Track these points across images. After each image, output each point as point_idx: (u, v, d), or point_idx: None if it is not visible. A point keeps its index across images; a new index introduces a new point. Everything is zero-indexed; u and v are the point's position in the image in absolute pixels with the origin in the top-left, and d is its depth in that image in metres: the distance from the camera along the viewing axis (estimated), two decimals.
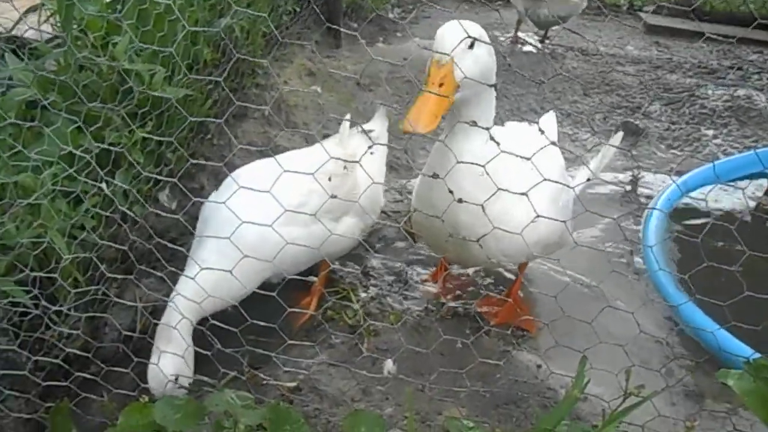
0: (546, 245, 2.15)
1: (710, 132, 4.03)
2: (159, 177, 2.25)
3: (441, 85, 1.66)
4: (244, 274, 1.92)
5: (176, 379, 1.87)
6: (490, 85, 1.78)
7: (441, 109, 1.66)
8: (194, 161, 2.13)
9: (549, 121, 2.74)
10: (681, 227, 3.00)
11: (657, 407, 1.67)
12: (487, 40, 1.76)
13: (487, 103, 1.87)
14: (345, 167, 2.19)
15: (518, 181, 1.64)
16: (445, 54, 1.65)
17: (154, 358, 1.88)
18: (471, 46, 1.71)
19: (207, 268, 1.84)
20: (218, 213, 2.05)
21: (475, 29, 1.73)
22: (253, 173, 2.27)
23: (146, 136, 2.08)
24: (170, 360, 1.85)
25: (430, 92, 1.61)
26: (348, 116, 2.71)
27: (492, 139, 1.51)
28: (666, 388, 1.90)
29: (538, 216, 1.51)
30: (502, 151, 1.43)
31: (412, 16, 5.53)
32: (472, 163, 1.57)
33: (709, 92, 4.38)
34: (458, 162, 1.64)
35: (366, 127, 2.71)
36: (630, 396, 1.50)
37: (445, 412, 1.90)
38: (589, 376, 1.55)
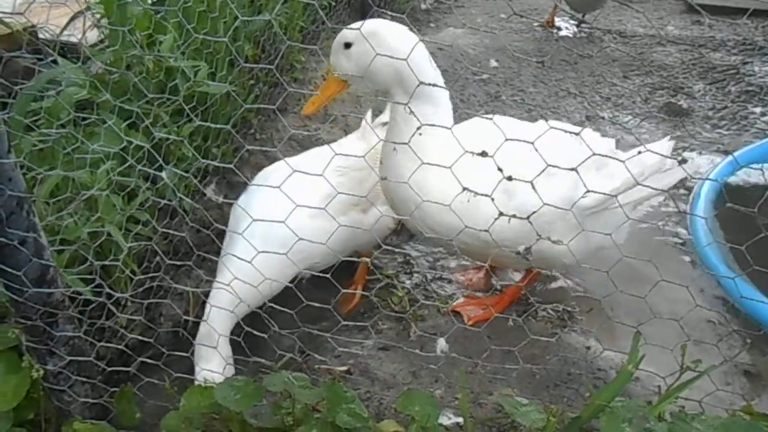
0: (536, 250, 1.97)
1: (758, 109, 3.92)
2: (209, 166, 2.29)
3: (324, 79, 2.00)
4: (273, 269, 1.96)
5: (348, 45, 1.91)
6: (429, 84, 1.88)
7: (319, 99, 1.98)
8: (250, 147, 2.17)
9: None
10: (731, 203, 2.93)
11: (713, 384, 1.65)
12: (381, 33, 1.83)
13: (424, 98, 1.89)
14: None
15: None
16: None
17: (198, 377, 1.94)
18: (347, 46, 1.88)
19: (237, 278, 1.90)
20: (247, 212, 2.04)
21: (359, 29, 1.79)
22: (279, 173, 2.26)
23: (200, 125, 2.12)
24: (212, 376, 1.90)
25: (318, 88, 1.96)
26: (369, 112, 2.74)
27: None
28: (723, 363, 1.87)
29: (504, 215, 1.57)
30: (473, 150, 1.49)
31: (446, 6, 5.50)
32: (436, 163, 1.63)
33: (756, 69, 4.25)
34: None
35: (384, 119, 2.67)
36: (686, 371, 1.49)
37: (496, 392, 1.91)
38: (642, 352, 1.54)
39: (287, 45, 2.57)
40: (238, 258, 1.92)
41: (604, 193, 1.75)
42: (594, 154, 1.39)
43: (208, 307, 2.00)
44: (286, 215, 1.72)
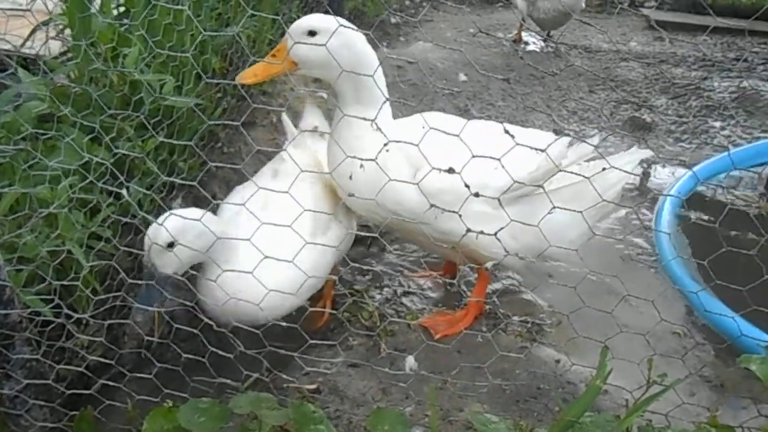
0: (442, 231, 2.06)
1: (718, 123, 4.03)
2: (176, 182, 2.24)
3: (273, 55, 2.02)
4: (282, 308, 1.95)
5: (170, 245, 1.83)
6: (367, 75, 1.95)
7: (264, 72, 2.01)
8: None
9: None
10: (693, 216, 3.00)
11: (681, 397, 1.67)
12: (346, 36, 1.94)
13: (365, 94, 2.02)
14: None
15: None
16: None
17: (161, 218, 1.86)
18: (311, 33, 1.95)
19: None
20: (240, 247, 1.90)
21: (326, 20, 1.93)
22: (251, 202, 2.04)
23: (164, 141, 2.07)
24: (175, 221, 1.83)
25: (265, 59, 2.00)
26: (284, 114, 2.62)
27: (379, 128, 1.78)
28: (689, 376, 1.90)
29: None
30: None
31: (414, 20, 5.55)
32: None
33: (715, 84, 4.38)
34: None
35: (308, 124, 2.57)
36: (653, 385, 1.50)
37: (467, 408, 1.90)
38: (610, 366, 1.55)
39: (252, 60, 2.54)
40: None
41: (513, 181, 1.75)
42: (517, 145, 1.41)
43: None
44: (288, 252, 1.70)
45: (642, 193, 3.44)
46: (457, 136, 1.33)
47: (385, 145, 1.56)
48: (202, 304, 1.95)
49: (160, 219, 1.86)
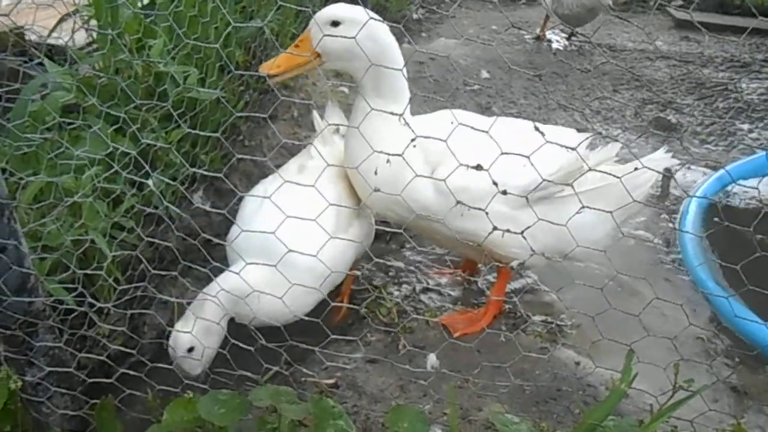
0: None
1: (745, 126, 3.95)
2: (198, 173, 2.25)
3: (297, 46, 1.98)
4: (296, 299, 1.90)
5: (190, 350, 1.88)
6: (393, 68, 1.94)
7: (288, 63, 1.96)
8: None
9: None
10: (719, 219, 2.94)
11: (702, 403, 1.64)
12: (372, 27, 1.89)
13: (388, 87, 2.02)
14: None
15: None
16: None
17: (178, 325, 1.91)
18: (335, 24, 1.92)
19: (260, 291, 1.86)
20: (263, 238, 1.81)
21: (351, 11, 1.90)
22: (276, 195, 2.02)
23: (189, 131, 2.07)
24: (192, 320, 1.88)
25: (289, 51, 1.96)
26: (315, 113, 2.63)
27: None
28: (717, 382, 1.86)
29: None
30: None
31: (438, 17, 5.52)
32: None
33: (743, 85, 4.30)
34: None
35: (332, 121, 2.54)
36: (678, 390, 1.47)
37: (486, 408, 1.88)
38: (635, 370, 1.52)
39: (274, 52, 2.52)
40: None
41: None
42: (547, 142, 1.38)
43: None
44: (310, 244, 1.70)
45: (664, 195, 3.39)
46: (486, 132, 1.31)
47: (413, 140, 1.54)
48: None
49: (178, 325, 1.92)
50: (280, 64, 1.97)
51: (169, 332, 1.92)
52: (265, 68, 1.96)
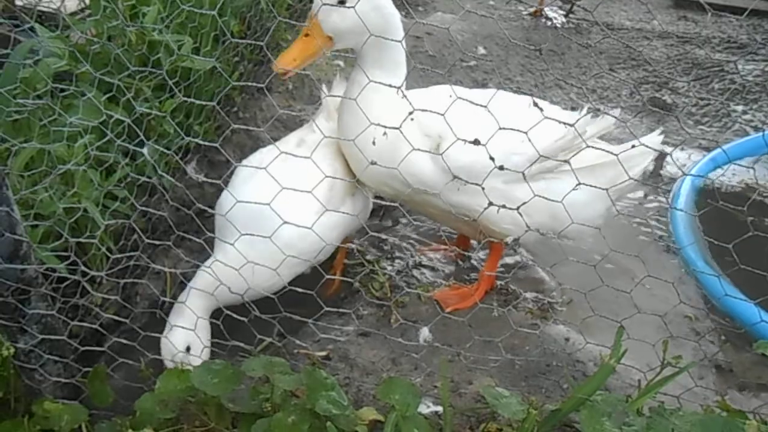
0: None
1: (740, 108, 3.96)
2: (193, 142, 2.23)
3: (307, 35, 1.92)
4: (280, 270, 1.90)
5: (187, 349, 1.89)
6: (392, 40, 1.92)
7: (303, 54, 1.92)
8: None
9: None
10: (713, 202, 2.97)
11: (688, 379, 1.67)
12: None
13: (389, 59, 2.00)
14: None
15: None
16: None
17: (165, 332, 1.91)
18: (342, 2, 1.87)
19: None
20: (251, 209, 1.80)
21: None
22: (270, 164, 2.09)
23: (184, 100, 2.04)
24: (180, 332, 1.88)
25: (296, 42, 1.92)
26: (324, 87, 2.64)
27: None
28: (703, 360, 1.89)
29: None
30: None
31: None
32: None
33: (740, 67, 4.29)
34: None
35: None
36: (666, 367, 1.50)
37: (476, 381, 1.90)
38: (624, 347, 1.54)
39: (277, 21, 2.48)
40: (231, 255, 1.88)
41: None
42: (545, 118, 1.38)
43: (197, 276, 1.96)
44: (290, 213, 1.68)
45: (656, 174, 3.40)
46: (484, 106, 1.31)
47: (410, 113, 1.53)
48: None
49: (166, 332, 1.91)
50: (295, 57, 1.91)
51: (163, 303, 1.93)
52: (284, 64, 1.89)
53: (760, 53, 4.60)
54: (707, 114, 3.95)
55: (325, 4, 1.88)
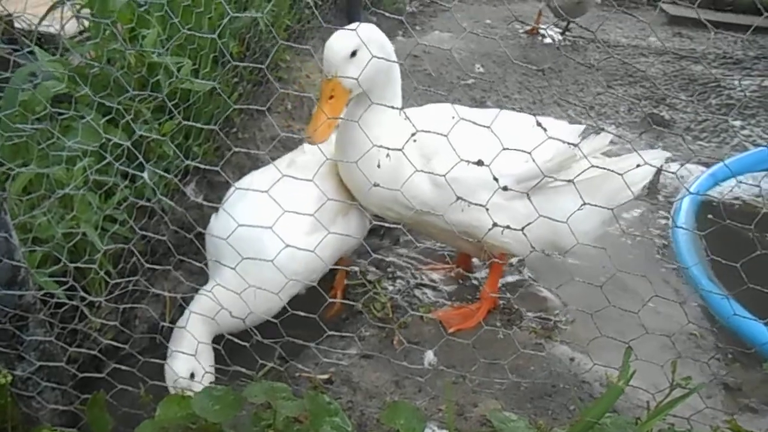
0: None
1: (738, 123, 3.97)
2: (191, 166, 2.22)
3: (331, 97, 1.87)
4: (272, 290, 1.88)
5: (191, 375, 1.87)
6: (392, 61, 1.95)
7: (334, 116, 1.88)
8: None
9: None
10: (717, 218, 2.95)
11: (696, 400, 1.64)
12: (376, 38, 1.90)
13: (390, 92, 2.01)
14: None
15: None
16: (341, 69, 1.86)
17: (168, 359, 1.89)
18: (353, 54, 1.85)
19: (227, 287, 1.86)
20: (240, 230, 1.83)
21: (357, 34, 1.77)
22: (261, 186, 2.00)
23: (185, 124, 2.04)
24: (182, 359, 1.85)
25: (322, 108, 1.87)
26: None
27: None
28: (714, 380, 1.87)
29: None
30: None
31: (432, 10, 5.49)
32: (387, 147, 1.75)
33: (736, 83, 4.31)
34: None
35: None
36: (676, 388, 1.47)
37: (481, 404, 1.87)
38: (633, 368, 1.52)
39: (278, 44, 2.48)
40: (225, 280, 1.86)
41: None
42: (549, 138, 1.37)
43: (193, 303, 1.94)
44: (280, 233, 1.67)
45: (654, 190, 3.39)
46: (486, 126, 1.30)
47: (413, 134, 1.52)
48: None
49: (169, 359, 1.88)
50: (330, 124, 1.87)
51: (162, 327, 1.90)
52: (321, 136, 1.86)
53: (756, 68, 4.63)
54: (705, 129, 3.96)
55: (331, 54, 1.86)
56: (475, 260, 2.70)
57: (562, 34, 5.18)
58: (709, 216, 2.94)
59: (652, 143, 3.79)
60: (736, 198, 3.22)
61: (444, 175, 1.53)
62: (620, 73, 4.57)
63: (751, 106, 4.08)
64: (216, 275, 1.98)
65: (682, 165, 3.53)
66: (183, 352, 1.84)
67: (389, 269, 2.72)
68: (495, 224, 1.48)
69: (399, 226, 1.75)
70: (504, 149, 1.35)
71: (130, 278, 1.99)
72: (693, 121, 4.03)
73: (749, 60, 4.72)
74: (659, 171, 3.41)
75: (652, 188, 3.37)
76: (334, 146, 2.23)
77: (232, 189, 2.17)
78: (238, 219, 1.83)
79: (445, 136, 1.37)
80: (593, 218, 2.13)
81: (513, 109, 4.06)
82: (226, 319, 1.87)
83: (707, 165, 3.47)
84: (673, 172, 2.76)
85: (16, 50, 2.30)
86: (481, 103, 4.07)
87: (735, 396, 2.16)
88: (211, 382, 1.87)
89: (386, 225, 2.33)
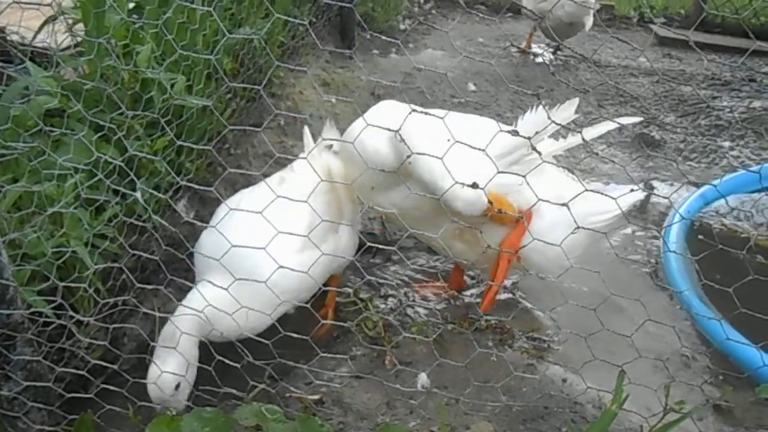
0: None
1: (727, 143, 4.01)
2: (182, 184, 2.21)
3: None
4: (263, 309, 1.88)
5: (177, 386, 1.82)
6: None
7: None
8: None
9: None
10: (703, 238, 2.97)
11: (688, 422, 1.64)
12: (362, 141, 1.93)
13: None
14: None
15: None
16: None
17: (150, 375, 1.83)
18: (401, 140, 1.86)
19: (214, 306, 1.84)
20: (227, 247, 1.80)
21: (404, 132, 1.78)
22: (250, 204, 1.99)
23: (180, 143, 2.03)
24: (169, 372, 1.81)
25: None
26: (306, 129, 2.63)
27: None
28: (708, 404, 1.87)
29: None
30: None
31: (425, 28, 5.53)
32: None
33: (724, 104, 4.36)
34: None
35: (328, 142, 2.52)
36: (669, 412, 1.47)
37: (474, 426, 1.86)
38: (627, 392, 1.51)
39: (275, 65, 2.48)
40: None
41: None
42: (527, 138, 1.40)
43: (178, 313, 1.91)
44: (270, 251, 1.66)
45: (643, 211, 3.41)
46: (473, 146, 1.30)
47: (408, 157, 1.52)
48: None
49: (149, 376, 1.81)
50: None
51: (152, 347, 1.88)
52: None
53: (744, 90, 4.69)
54: (695, 150, 4.00)
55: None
56: (466, 277, 2.70)
57: (553, 53, 5.23)
58: (700, 237, 2.96)
59: (642, 162, 3.81)
60: (721, 224, 3.24)
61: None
62: (611, 93, 4.61)
63: (739, 127, 4.13)
64: (205, 292, 1.95)
65: (672, 186, 3.55)
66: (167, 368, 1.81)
67: (381, 287, 2.71)
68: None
69: (392, 248, 1.74)
70: (456, 142, 1.37)
71: (120, 297, 1.96)
72: (683, 141, 4.07)
73: (737, 81, 4.79)
74: (650, 192, 3.44)
75: (643, 207, 3.39)
76: (321, 167, 2.25)
77: (222, 206, 2.16)
78: (228, 237, 1.82)
79: (441, 158, 1.38)
80: (579, 235, 2.15)
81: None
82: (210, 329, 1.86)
83: (697, 185, 3.50)
84: (666, 197, 2.77)
85: (9, 64, 2.29)
86: None
87: (726, 419, 2.16)
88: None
89: (378, 246, 2.32)
